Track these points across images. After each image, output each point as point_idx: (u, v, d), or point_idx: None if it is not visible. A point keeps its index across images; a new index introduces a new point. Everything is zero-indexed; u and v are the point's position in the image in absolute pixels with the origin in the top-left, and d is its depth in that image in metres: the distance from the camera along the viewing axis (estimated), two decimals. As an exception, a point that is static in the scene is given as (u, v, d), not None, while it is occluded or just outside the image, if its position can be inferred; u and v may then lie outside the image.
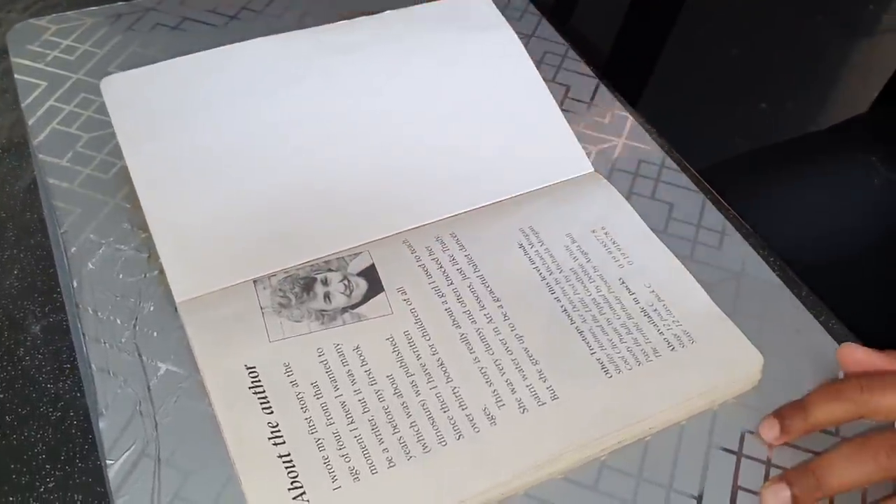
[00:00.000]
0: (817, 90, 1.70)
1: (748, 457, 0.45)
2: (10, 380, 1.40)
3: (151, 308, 0.49)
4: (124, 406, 0.44)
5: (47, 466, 1.30)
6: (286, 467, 0.42)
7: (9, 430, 1.32)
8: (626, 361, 0.47)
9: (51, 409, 1.37)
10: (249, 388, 0.44)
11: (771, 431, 0.45)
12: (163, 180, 0.52)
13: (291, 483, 0.41)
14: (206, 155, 0.53)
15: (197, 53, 0.58)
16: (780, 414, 0.45)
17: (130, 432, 0.43)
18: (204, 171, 0.53)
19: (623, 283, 0.51)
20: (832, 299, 0.52)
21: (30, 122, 0.60)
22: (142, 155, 0.52)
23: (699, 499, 0.43)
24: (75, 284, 0.50)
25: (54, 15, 0.68)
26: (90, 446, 1.30)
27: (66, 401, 1.37)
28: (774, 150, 0.76)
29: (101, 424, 0.44)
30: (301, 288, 0.49)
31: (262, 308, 0.48)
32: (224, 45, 0.64)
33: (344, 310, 0.48)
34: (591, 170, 0.58)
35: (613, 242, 0.53)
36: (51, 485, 1.28)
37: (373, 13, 0.62)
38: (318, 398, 0.44)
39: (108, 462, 0.42)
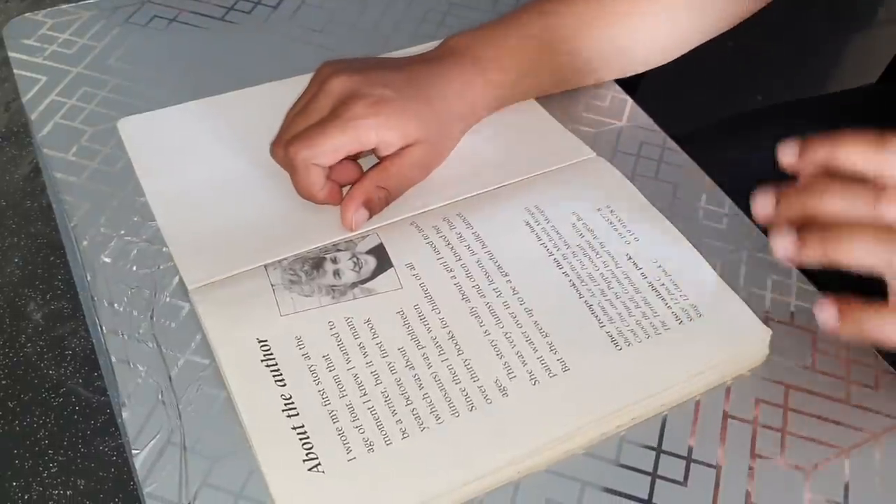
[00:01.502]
0: (813, 82, 1.70)
1: (764, 426, 0.45)
2: (11, 366, 1.40)
3: (167, 298, 0.49)
4: (146, 396, 0.45)
5: (50, 452, 1.31)
6: (300, 439, 0.42)
7: (11, 417, 1.33)
8: (635, 334, 0.47)
9: (53, 396, 1.37)
10: (262, 361, 0.45)
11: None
12: (175, 194, 0.54)
13: (306, 454, 0.41)
14: (216, 177, 0.55)
15: (208, 98, 0.61)
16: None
17: (154, 422, 0.43)
18: (214, 185, 0.55)
19: (630, 258, 0.51)
20: None
21: (32, 117, 0.59)
22: (157, 181, 0.55)
23: (718, 468, 0.44)
24: (89, 278, 0.50)
25: (50, 9, 0.68)
26: (92, 432, 1.31)
27: (67, 387, 1.37)
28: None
29: (125, 414, 0.44)
30: (311, 266, 0.49)
31: (272, 285, 0.48)
32: (220, 38, 0.66)
33: (354, 285, 0.48)
34: (593, 154, 0.58)
35: (619, 220, 0.53)
36: (54, 470, 1.28)
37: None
38: (330, 370, 0.44)
39: (133, 451, 0.42)
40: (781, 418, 0.46)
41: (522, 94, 0.60)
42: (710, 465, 0.44)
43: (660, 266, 0.51)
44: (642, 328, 0.48)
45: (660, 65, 0.63)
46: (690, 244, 0.52)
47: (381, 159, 0.53)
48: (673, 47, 0.63)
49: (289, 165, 0.52)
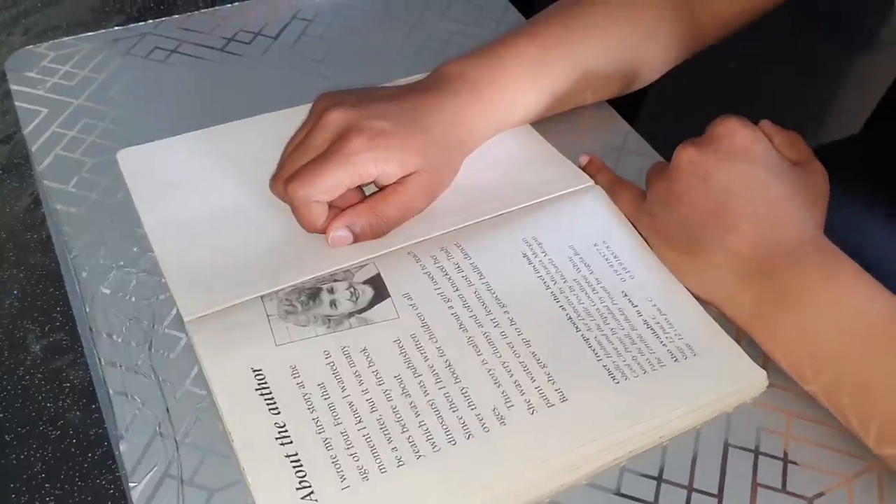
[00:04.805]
0: (815, 104, 1.71)
1: (765, 454, 0.45)
2: (9, 399, 1.39)
3: (165, 330, 0.49)
4: (144, 428, 0.44)
5: (47, 486, 1.29)
6: (294, 467, 0.41)
7: (8, 450, 1.32)
8: (631, 369, 0.47)
9: (50, 428, 1.36)
10: (256, 389, 0.44)
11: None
12: (173, 225, 0.54)
13: (300, 483, 0.41)
14: (214, 208, 0.55)
15: (207, 129, 0.61)
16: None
17: (152, 454, 0.43)
18: (212, 217, 0.55)
19: (625, 295, 0.51)
20: None
21: (33, 149, 0.60)
22: (155, 212, 0.55)
23: (720, 498, 0.43)
24: (88, 309, 0.50)
25: (52, 42, 0.69)
26: (90, 465, 1.30)
27: (65, 419, 1.36)
28: None
29: (122, 447, 0.43)
30: (307, 296, 0.49)
31: (268, 315, 0.48)
32: (220, 69, 0.67)
33: (350, 314, 0.48)
34: (591, 182, 0.58)
35: (615, 256, 0.53)
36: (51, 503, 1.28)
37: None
38: (325, 398, 0.44)
39: (131, 484, 0.42)
40: (783, 446, 0.46)
41: (520, 117, 0.60)
42: (711, 495, 0.44)
43: (654, 304, 0.51)
44: (638, 364, 0.47)
45: (652, 81, 0.64)
46: (681, 284, 0.52)
47: (382, 188, 0.53)
48: (665, 61, 0.64)
49: (289, 203, 0.52)
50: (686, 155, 0.51)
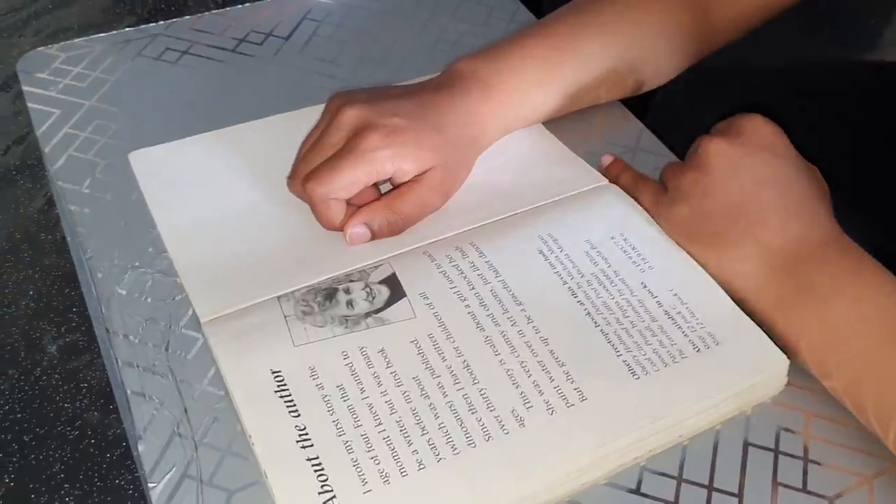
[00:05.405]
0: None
1: (785, 453, 0.45)
2: (27, 400, 1.40)
3: (182, 330, 0.49)
4: (162, 428, 0.44)
5: (66, 486, 1.30)
6: (315, 470, 0.41)
7: (27, 450, 1.32)
8: (652, 363, 0.47)
9: (69, 429, 1.36)
10: (275, 392, 0.44)
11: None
12: (187, 226, 0.54)
13: (321, 486, 0.41)
14: (227, 209, 0.55)
15: (220, 130, 0.61)
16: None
17: (170, 454, 0.43)
18: (225, 217, 0.55)
19: (645, 286, 0.51)
20: None
21: (46, 150, 0.60)
22: (169, 214, 0.55)
23: (740, 497, 0.43)
24: (104, 310, 0.50)
25: (63, 43, 0.69)
26: (108, 465, 1.30)
27: (83, 420, 1.37)
28: None
29: (141, 448, 0.43)
30: (324, 297, 0.49)
31: (285, 316, 0.48)
32: (232, 69, 0.67)
33: (367, 314, 0.48)
34: (605, 181, 0.58)
35: (633, 248, 0.53)
36: (69, 504, 1.28)
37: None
38: (344, 400, 0.44)
39: (150, 485, 0.42)
40: (803, 446, 0.45)
41: (532, 116, 0.60)
42: (731, 494, 0.43)
43: (675, 294, 0.50)
44: (659, 357, 0.47)
45: (666, 81, 0.64)
46: (705, 272, 0.52)
47: (398, 185, 0.53)
48: (679, 60, 0.63)
49: (308, 201, 0.52)
50: (715, 147, 0.51)
